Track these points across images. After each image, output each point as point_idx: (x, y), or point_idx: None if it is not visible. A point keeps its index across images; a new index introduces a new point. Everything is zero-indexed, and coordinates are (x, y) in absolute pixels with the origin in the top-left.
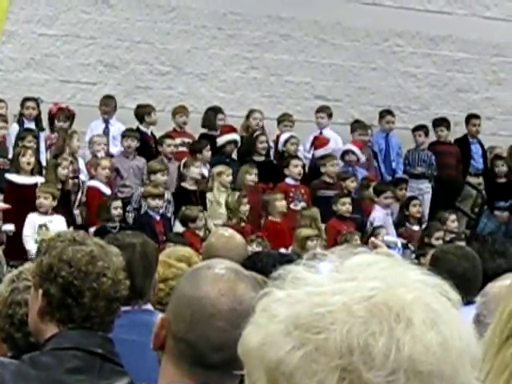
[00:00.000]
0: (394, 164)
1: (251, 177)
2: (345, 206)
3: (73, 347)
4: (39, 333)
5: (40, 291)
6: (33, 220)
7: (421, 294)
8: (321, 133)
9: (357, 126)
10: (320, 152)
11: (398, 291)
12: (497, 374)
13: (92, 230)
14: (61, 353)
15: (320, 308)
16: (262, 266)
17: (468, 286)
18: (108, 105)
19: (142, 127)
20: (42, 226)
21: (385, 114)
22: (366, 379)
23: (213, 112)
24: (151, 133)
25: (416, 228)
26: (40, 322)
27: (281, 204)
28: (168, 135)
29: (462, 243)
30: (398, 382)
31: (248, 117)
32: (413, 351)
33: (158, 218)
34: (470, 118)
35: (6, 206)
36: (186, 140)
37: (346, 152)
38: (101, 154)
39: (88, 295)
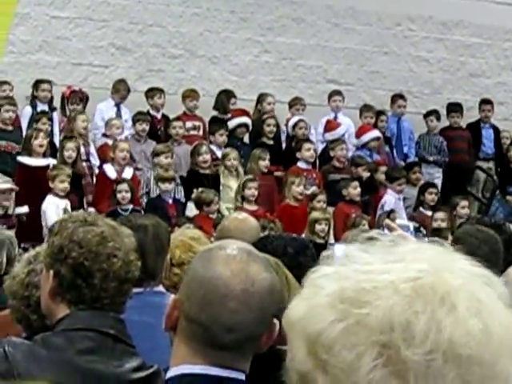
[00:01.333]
0: (405, 148)
1: (264, 162)
2: (356, 190)
3: (84, 328)
4: (51, 313)
5: (51, 272)
6: (55, 203)
7: (467, 282)
8: (335, 117)
9: (365, 109)
10: (327, 136)
11: (444, 275)
12: None
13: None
14: (72, 333)
15: (366, 283)
16: (273, 248)
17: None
18: (124, 89)
19: (151, 110)
20: (65, 210)
21: (396, 98)
22: (403, 356)
23: (225, 95)
24: (162, 115)
25: (429, 213)
26: (51, 303)
27: (297, 189)
28: (177, 118)
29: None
30: (436, 362)
31: (259, 101)
32: (453, 334)
33: (170, 201)
34: (482, 103)
35: (13, 186)
36: (197, 123)
37: (372, 139)
38: (120, 137)
39: (98, 276)
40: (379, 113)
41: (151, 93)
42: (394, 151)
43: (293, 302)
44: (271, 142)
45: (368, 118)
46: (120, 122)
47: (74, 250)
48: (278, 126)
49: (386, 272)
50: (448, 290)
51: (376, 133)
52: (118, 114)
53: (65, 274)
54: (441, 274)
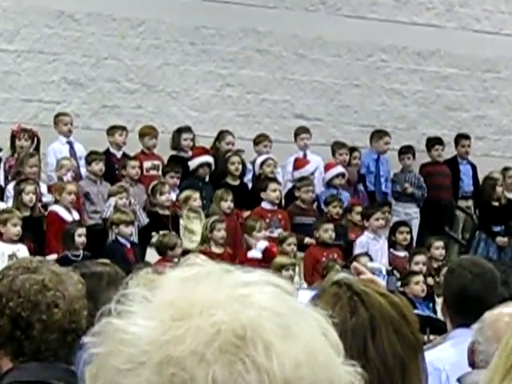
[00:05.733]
0: (383, 187)
1: (227, 203)
2: (327, 233)
3: (33, 380)
4: None
5: None
6: (1, 250)
7: (254, 302)
8: (304, 155)
9: (338, 146)
10: (296, 174)
11: (235, 313)
12: None
13: (51, 257)
14: None
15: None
16: None
17: (479, 308)
18: (70, 123)
19: (112, 149)
20: (12, 256)
21: (381, 134)
22: None
23: (178, 132)
24: (123, 155)
25: (401, 254)
26: None
27: (261, 235)
28: (134, 157)
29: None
30: None
31: (219, 139)
32: (284, 373)
33: (128, 245)
34: (460, 138)
35: None
36: (156, 162)
37: (336, 175)
38: (67, 177)
39: (38, 327)
40: (352, 149)
41: (112, 130)
42: (372, 189)
43: None
44: (236, 183)
45: (343, 154)
46: (70, 163)
47: (13, 299)
48: (243, 164)
49: (179, 343)
50: (252, 328)
51: (339, 169)
52: (72, 153)
53: (3, 325)
54: (232, 314)
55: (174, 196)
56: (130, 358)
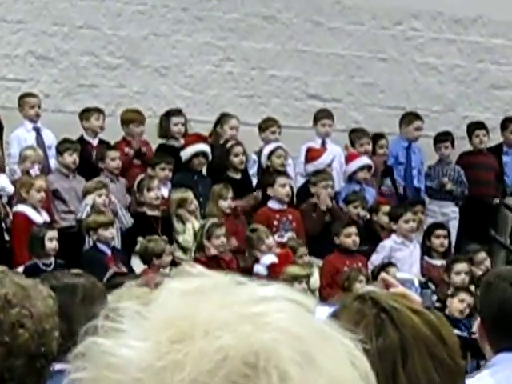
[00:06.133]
0: (415, 181)
1: (226, 202)
2: (350, 238)
3: None
4: None
5: None
6: None
7: (269, 322)
8: (323, 143)
9: (358, 135)
10: (309, 168)
11: (246, 336)
12: None
13: (20, 269)
14: None
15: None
16: None
17: None
18: (38, 105)
19: (86, 135)
20: None
21: (411, 118)
22: None
23: (167, 116)
24: (100, 142)
25: (438, 262)
26: None
27: (270, 242)
28: (113, 146)
29: None
30: None
31: (220, 123)
32: None
33: (109, 252)
34: (508, 123)
35: None
36: (143, 150)
37: (360, 168)
38: (34, 171)
39: (0, 351)
40: (377, 136)
41: (87, 113)
42: (402, 185)
43: None
44: (238, 176)
45: (365, 144)
46: (35, 153)
47: None
48: (246, 155)
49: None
50: (266, 356)
51: (364, 160)
52: (39, 141)
53: None
54: (243, 338)
55: (165, 192)
56: None
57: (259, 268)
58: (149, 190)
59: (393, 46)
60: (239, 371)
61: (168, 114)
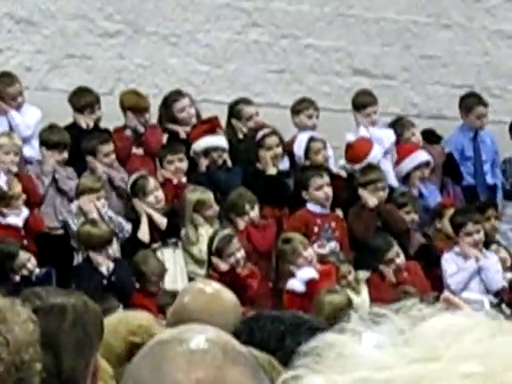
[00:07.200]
0: (488, 177)
1: (254, 212)
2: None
3: None
4: None
5: None
6: None
7: None
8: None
9: (404, 124)
10: (349, 168)
11: (505, 378)
12: None
13: None
14: None
15: None
16: (264, 337)
17: None
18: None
19: (80, 120)
20: None
21: (474, 101)
22: None
23: (172, 97)
24: (95, 127)
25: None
26: None
27: (308, 254)
28: (107, 139)
29: None
30: None
31: (235, 107)
32: None
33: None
34: None
35: None
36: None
37: (417, 166)
38: (11, 166)
39: None
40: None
41: (80, 93)
42: (470, 182)
43: None
44: (273, 172)
45: (416, 135)
46: (12, 143)
47: None
48: (283, 146)
49: (416, 382)
50: None
51: (422, 156)
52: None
53: None
54: (500, 376)
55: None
56: None
57: (295, 283)
58: (145, 193)
59: (458, 9)
60: None
61: (166, 102)
